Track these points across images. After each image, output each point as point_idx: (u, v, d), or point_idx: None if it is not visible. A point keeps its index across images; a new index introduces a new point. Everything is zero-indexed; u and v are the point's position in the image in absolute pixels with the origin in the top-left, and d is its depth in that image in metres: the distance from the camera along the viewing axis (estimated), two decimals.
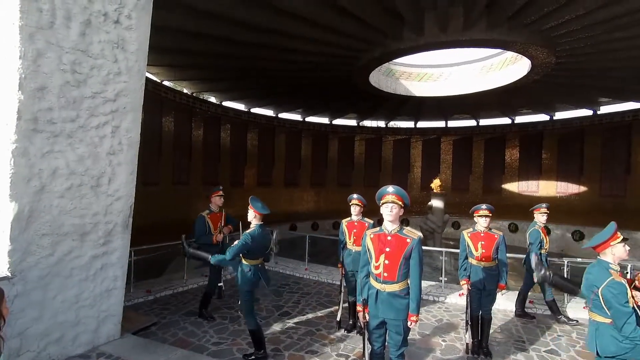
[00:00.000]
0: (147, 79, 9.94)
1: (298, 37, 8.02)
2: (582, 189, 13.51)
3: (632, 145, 12.04)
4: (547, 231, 5.18)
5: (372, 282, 2.77)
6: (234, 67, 10.04)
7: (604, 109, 13.03)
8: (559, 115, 14.34)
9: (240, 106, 14.31)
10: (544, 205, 5.09)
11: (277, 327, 4.64)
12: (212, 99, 13.65)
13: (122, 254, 3.73)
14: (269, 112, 15.31)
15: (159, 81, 10.81)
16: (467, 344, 3.99)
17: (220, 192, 5.17)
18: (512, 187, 15.41)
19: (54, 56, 3.03)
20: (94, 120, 3.35)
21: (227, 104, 13.73)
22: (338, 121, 17.25)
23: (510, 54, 10.45)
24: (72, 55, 3.14)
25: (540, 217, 5.10)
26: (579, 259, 6.13)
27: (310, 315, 5.03)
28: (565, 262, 5.78)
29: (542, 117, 14.71)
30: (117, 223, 3.64)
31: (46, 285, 3.15)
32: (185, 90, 12.25)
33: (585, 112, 13.45)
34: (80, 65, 3.21)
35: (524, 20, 7.19)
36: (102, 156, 3.45)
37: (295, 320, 4.89)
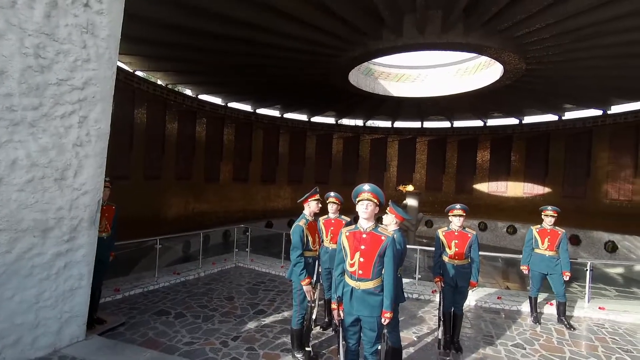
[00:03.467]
0: (119, 68, 9.52)
1: (279, 33, 7.92)
2: (547, 190, 14.22)
3: (592, 150, 12.78)
4: (556, 233, 5.01)
5: (347, 279, 2.79)
6: (212, 61, 9.78)
7: (568, 115, 13.75)
8: (527, 120, 15.01)
9: (217, 100, 13.98)
10: (549, 207, 5.10)
11: (251, 325, 4.57)
12: (188, 92, 13.26)
13: (88, 252, 3.55)
14: (247, 108, 15.06)
15: (132, 71, 10.37)
16: (439, 339, 4.10)
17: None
18: (483, 187, 15.99)
19: (14, 38, 2.82)
20: (59, 109, 3.15)
21: (204, 97, 13.37)
22: (317, 118, 17.23)
23: (484, 59, 10.80)
24: (35, 39, 2.93)
25: (545, 218, 5.12)
26: None
27: (286, 313, 4.99)
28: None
29: (512, 121, 15.34)
30: (83, 219, 3.45)
31: (2, 285, 2.94)
32: (159, 82, 11.82)
33: (551, 117, 14.14)
34: (45, 50, 3.00)
35: (498, 27, 7.44)
36: (67, 147, 3.25)
37: (271, 318, 4.84)
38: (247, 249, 8.27)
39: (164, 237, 6.73)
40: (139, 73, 10.75)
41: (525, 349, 4.25)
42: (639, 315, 5.41)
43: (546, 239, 5.01)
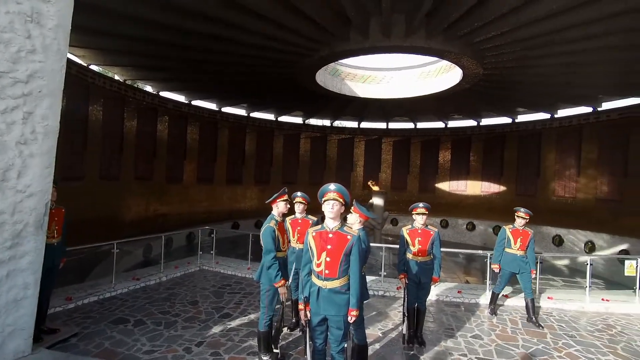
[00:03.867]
0: (70, 61, 8.91)
1: (246, 31, 7.77)
2: (502, 188, 15.11)
3: (542, 151, 13.75)
4: (526, 234, 5.18)
5: (314, 279, 2.79)
6: (174, 57, 9.40)
7: (521, 118, 14.70)
8: (485, 122, 15.85)
9: (180, 97, 13.47)
10: (522, 209, 5.25)
11: (217, 329, 4.45)
12: (148, 88, 12.66)
13: (35, 259, 3.28)
14: (212, 106, 14.65)
15: (85, 65, 9.72)
16: (403, 334, 4.21)
17: None
18: (444, 186, 16.68)
19: None
20: (0, 103, 2.88)
21: (166, 94, 12.83)
22: (284, 118, 17.12)
23: (445, 63, 11.26)
24: None
25: (517, 219, 5.27)
26: None
27: (252, 316, 4.91)
28: (489, 255, 6.39)
29: (471, 123, 16.13)
30: (29, 223, 3.18)
31: None
32: (116, 77, 11.19)
33: (506, 120, 15.04)
34: None
35: (458, 33, 7.78)
36: (10, 146, 2.98)
37: (237, 321, 4.75)
38: (212, 251, 8.06)
39: (122, 241, 6.39)
40: (93, 67, 10.11)
41: (483, 339, 4.49)
42: (582, 303, 5.89)
43: (518, 239, 5.17)
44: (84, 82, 9.41)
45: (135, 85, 12.15)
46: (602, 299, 6.05)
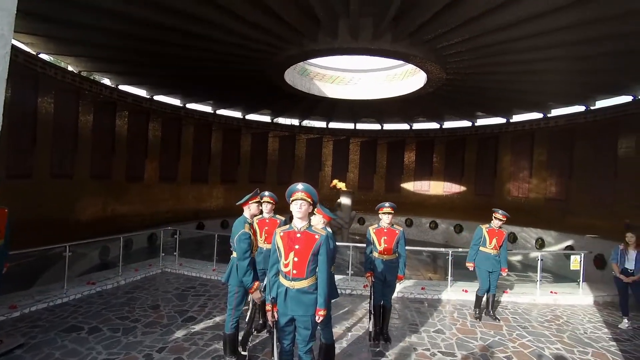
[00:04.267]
0: (17, 48, 8.20)
1: (212, 25, 7.54)
2: (462, 188, 15.84)
3: (498, 154, 14.58)
4: (508, 234, 5.38)
5: (282, 280, 2.77)
6: (133, 49, 8.92)
7: (480, 122, 15.49)
8: (447, 125, 16.54)
9: (141, 92, 12.83)
10: (500, 211, 5.35)
11: (180, 334, 4.29)
12: (106, 81, 11.95)
13: None
14: (176, 102, 14.10)
15: (34, 53, 8.99)
16: (370, 332, 4.30)
17: None
18: (409, 186, 17.21)
19: None
20: None
21: (126, 88, 12.17)
22: (252, 116, 16.85)
23: (410, 67, 11.61)
24: None
25: (494, 220, 5.36)
26: (459, 249, 7.17)
27: (217, 319, 4.79)
28: (450, 252, 6.68)
29: (434, 126, 16.77)
30: None
31: None
32: (70, 68, 10.45)
33: (466, 124, 15.78)
34: None
35: (423, 38, 8.05)
36: None
37: (201, 325, 4.61)
38: (175, 253, 7.77)
39: (75, 243, 5.98)
40: (43, 56, 9.36)
41: (445, 333, 4.68)
42: (533, 296, 6.32)
43: (494, 239, 5.29)
44: (33, 72, 8.69)
45: (92, 78, 11.41)
46: (551, 292, 6.53)
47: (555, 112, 12.73)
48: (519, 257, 12.31)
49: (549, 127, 12.73)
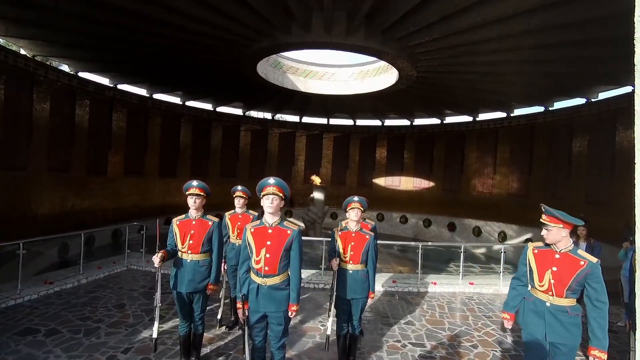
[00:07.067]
0: None
1: (181, 13, 7.23)
2: (431, 184, 16.35)
3: (465, 151, 15.16)
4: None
5: (253, 276, 2.72)
6: (93, 33, 8.39)
7: (448, 120, 16.01)
8: (417, 122, 16.95)
9: (104, 80, 12.12)
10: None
11: (146, 334, 4.13)
12: (65, 68, 11.17)
13: None
14: (142, 91, 13.44)
15: None
16: (327, 335, 4.29)
17: None
18: (381, 181, 17.53)
19: None
20: None
21: (86, 75, 11.43)
22: (223, 109, 16.41)
23: (383, 63, 11.73)
24: None
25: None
26: (429, 243, 7.40)
27: None
28: (420, 246, 6.88)
29: (405, 122, 17.13)
30: None
31: None
32: (22, 52, 9.67)
33: (435, 121, 16.26)
34: None
35: (395, 35, 8.16)
36: None
37: (170, 324, 4.46)
38: (141, 249, 7.46)
39: (29, 241, 5.59)
40: None
41: (415, 325, 4.83)
42: (497, 287, 6.65)
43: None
44: None
45: (48, 63, 10.63)
46: None
47: (517, 112, 13.40)
48: (483, 250, 12.91)
49: (512, 126, 13.39)
